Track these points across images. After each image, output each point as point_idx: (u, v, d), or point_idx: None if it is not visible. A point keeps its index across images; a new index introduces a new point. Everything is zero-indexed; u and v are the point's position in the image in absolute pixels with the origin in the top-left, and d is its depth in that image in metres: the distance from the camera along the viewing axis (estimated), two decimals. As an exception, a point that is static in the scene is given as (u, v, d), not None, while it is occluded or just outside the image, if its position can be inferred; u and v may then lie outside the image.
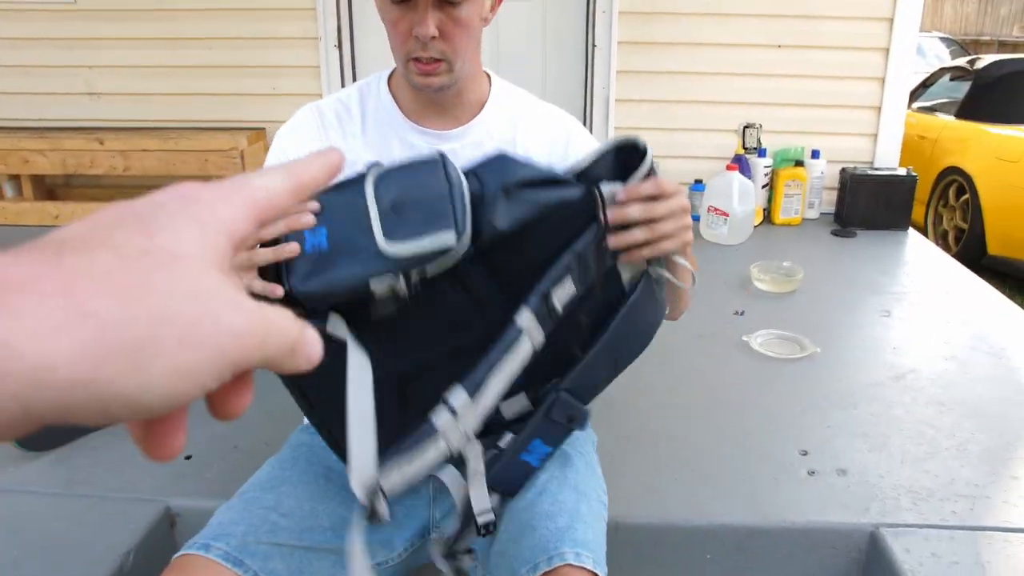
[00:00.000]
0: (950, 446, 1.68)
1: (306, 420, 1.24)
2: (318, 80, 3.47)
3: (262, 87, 3.51)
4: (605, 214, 0.88)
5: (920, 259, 3.07)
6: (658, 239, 0.89)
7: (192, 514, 1.46)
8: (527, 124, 1.15)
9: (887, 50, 3.32)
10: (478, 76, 1.14)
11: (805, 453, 1.65)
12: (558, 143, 1.14)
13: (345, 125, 1.13)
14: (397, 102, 1.13)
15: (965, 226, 4.37)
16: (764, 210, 3.45)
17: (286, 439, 1.20)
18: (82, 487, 1.52)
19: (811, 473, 1.58)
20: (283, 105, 3.51)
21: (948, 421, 1.79)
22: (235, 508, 1.00)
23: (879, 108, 3.40)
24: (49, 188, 3.60)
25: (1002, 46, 11.15)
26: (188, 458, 1.62)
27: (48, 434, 1.63)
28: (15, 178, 3.45)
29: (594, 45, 3.42)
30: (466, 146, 1.12)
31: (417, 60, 1.03)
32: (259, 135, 3.49)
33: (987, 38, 11.72)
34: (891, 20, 3.28)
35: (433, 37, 1.00)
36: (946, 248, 4.40)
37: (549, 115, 1.18)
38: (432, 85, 1.05)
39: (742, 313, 2.42)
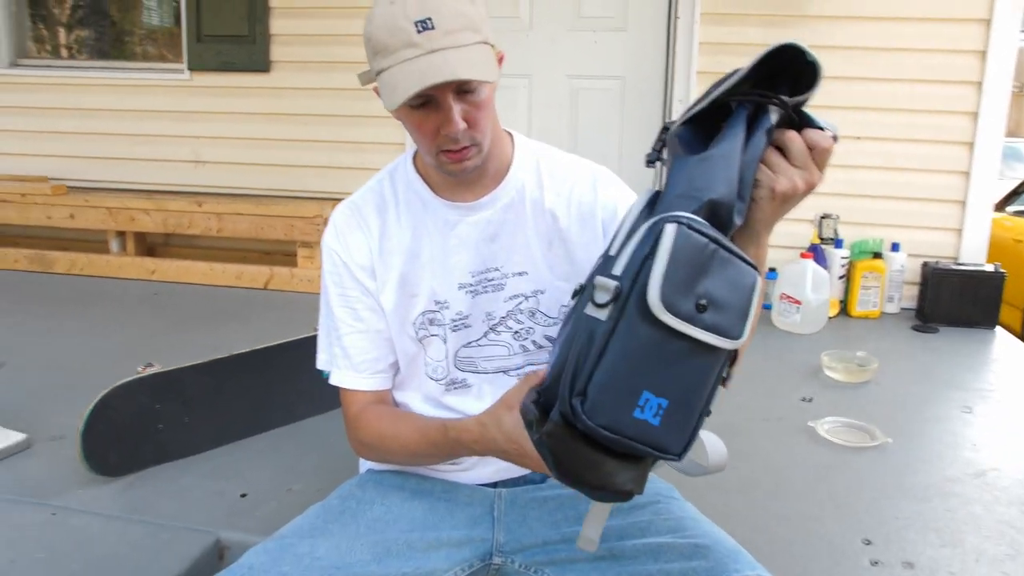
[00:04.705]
0: (1033, 548, 1.56)
1: (363, 469, 1.26)
2: (403, 155, 3.65)
3: (350, 161, 3.72)
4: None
5: (1008, 358, 2.91)
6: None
7: (241, 548, 1.47)
8: (551, 175, 1.15)
9: (971, 144, 3.26)
10: (501, 141, 1.14)
11: (869, 543, 1.56)
12: (584, 190, 1.14)
13: (382, 213, 1.16)
14: (425, 180, 1.15)
15: (1064, 333, 4.13)
16: (840, 302, 3.37)
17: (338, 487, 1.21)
18: (141, 513, 1.57)
19: (874, 563, 1.49)
20: (368, 178, 3.71)
21: (1032, 522, 1.66)
22: (269, 552, 0.99)
23: (963, 202, 3.32)
24: (149, 246, 3.86)
25: (1106, 155, 10.72)
26: (243, 496, 1.66)
27: (118, 461, 1.71)
28: (121, 235, 3.72)
29: (670, 132, 3.49)
30: (497, 211, 1.13)
31: (448, 151, 1.03)
32: (344, 205, 3.67)
33: (1090, 147, 11.31)
34: (975, 114, 3.24)
35: (462, 130, 1.00)
36: (1044, 356, 4.15)
37: (573, 163, 1.18)
38: (466, 170, 1.06)
39: (810, 400, 2.34)
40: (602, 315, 0.70)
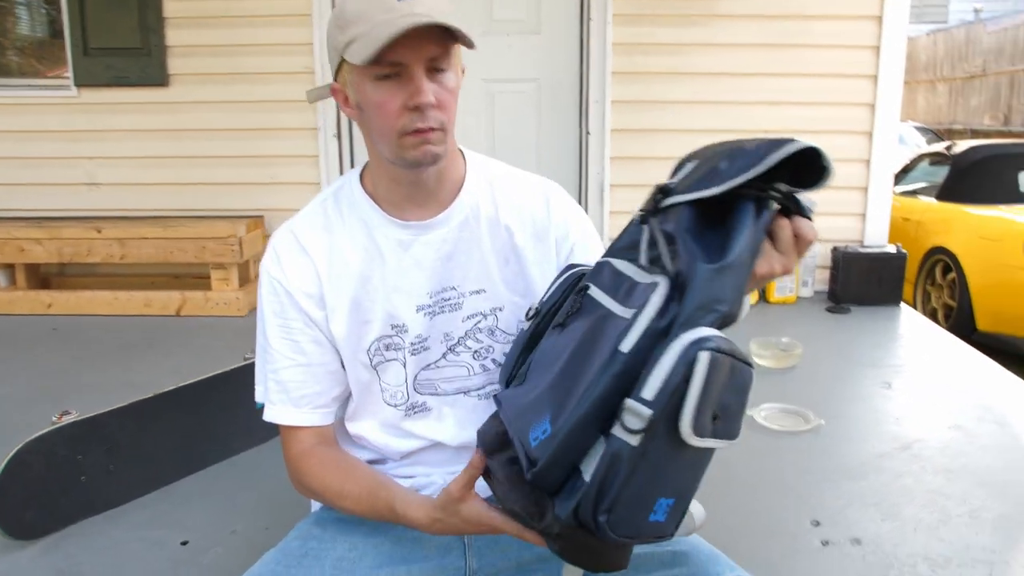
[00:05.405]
0: (962, 513, 1.66)
1: (315, 508, 1.18)
2: (316, 169, 3.55)
3: (261, 176, 3.58)
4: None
5: (914, 332, 3.09)
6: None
7: (187, 600, 1.40)
8: (505, 194, 1.13)
9: (870, 134, 3.45)
10: (455, 155, 1.11)
11: (818, 524, 1.61)
12: (538, 207, 1.13)
13: (328, 236, 1.09)
14: (375, 199, 1.09)
15: (953, 304, 4.42)
16: (759, 289, 3.49)
17: (288, 524, 1.13)
18: None
19: (825, 543, 1.54)
20: (282, 193, 3.59)
21: (958, 489, 1.76)
22: None
23: (866, 189, 3.50)
24: (43, 277, 3.61)
25: (974, 134, 11.54)
26: (184, 543, 1.56)
27: (36, 520, 1.58)
28: (9, 267, 3.45)
29: (588, 132, 3.53)
30: (452, 228, 1.09)
31: (413, 132, 0.98)
32: (257, 223, 3.53)
33: (959, 127, 12.17)
34: (872, 105, 3.42)
35: (431, 104, 0.96)
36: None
37: (525, 181, 1.16)
38: (429, 153, 1.00)
39: (743, 387, 2.41)
40: (634, 440, 0.71)
